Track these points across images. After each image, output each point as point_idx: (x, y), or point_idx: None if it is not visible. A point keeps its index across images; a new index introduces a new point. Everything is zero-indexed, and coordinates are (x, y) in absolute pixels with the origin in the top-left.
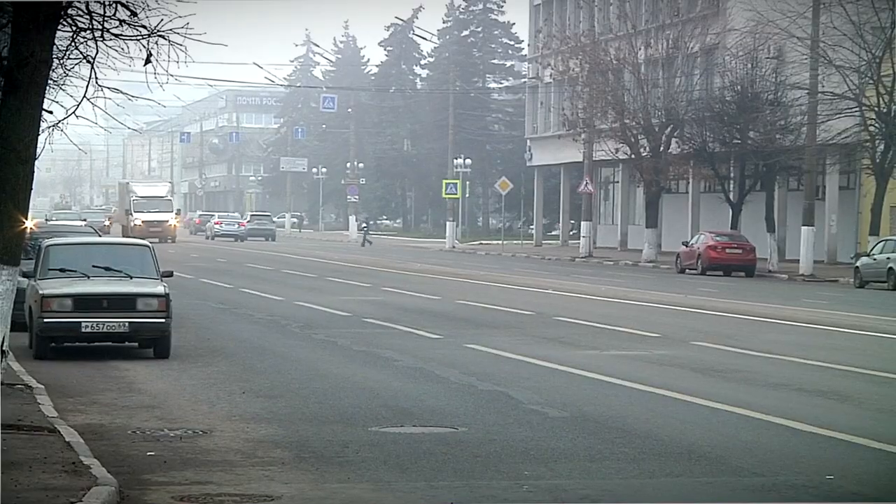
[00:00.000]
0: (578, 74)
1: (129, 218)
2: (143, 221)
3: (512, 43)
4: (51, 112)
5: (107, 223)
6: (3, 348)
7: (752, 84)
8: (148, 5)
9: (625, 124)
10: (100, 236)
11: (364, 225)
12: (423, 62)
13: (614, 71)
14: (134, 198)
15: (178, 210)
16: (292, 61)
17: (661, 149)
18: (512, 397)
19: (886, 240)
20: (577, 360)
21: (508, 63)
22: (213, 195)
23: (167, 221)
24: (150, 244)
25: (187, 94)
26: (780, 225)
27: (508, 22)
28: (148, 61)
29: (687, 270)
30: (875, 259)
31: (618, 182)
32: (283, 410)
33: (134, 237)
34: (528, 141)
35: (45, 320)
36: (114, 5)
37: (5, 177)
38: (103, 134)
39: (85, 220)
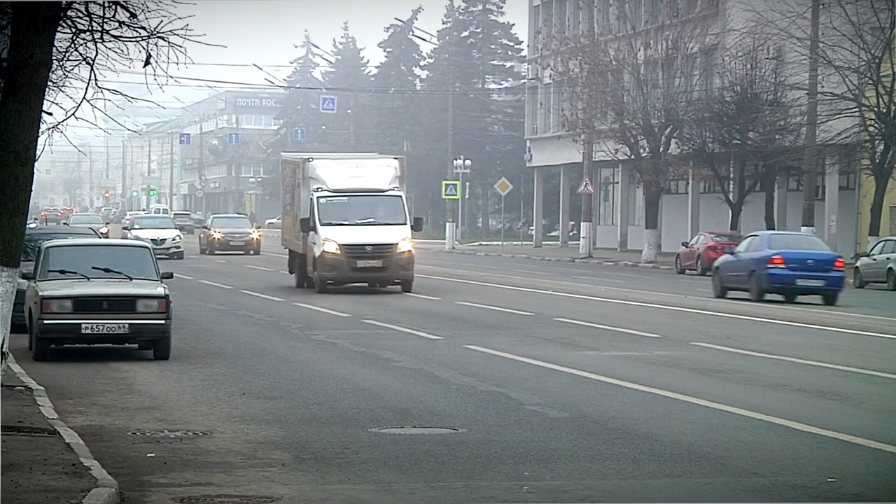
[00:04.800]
0: (578, 75)
1: (306, 239)
2: (340, 246)
3: (511, 44)
4: (50, 114)
5: (254, 235)
6: (3, 350)
7: (752, 84)
8: (147, 7)
9: (624, 125)
10: (99, 237)
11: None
12: (422, 63)
13: (614, 72)
14: (319, 194)
15: (419, 220)
16: (292, 62)
17: (661, 149)
18: (512, 398)
19: (886, 240)
20: (577, 361)
21: (508, 64)
22: (212, 196)
23: (395, 246)
24: (149, 245)
25: (187, 95)
26: (780, 225)
27: (508, 23)
28: (147, 63)
29: (687, 271)
30: (875, 259)
31: (617, 182)
32: (283, 412)
33: (324, 277)
34: (527, 142)
35: (45, 322)
36: (113, 7)
37: (5, 178)
38: (103, 135)
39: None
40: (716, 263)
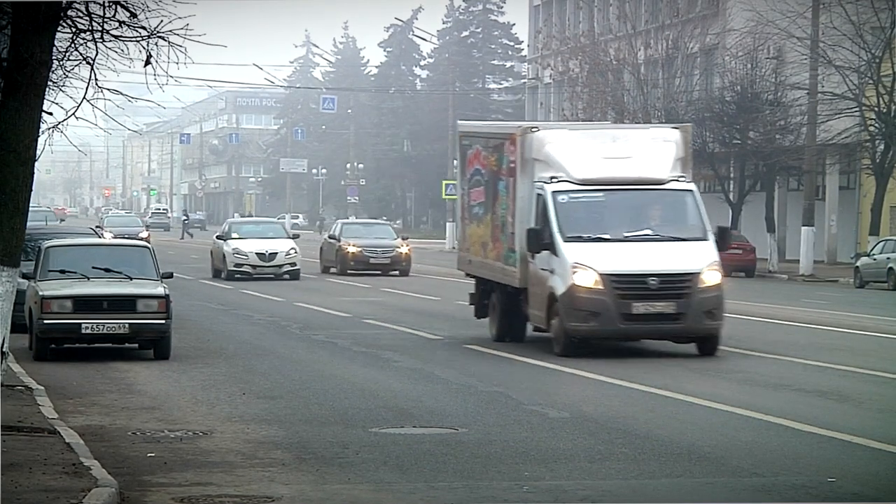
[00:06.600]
0: (578, 75)
1: (527, 263)
2: (603, 278)
3: (512, 44)
4: (50, 113)
5: (403, 249)
6: (4, 350)
7: (752, 84)
8: (148, 6)
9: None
10: (99, 237)
11: (185, 218)
12: (422, 63)
13: (614, 71)
14: (556, 188)
15: (724, 231)
16: (292, 62)
17: None
18: (512, 398)
19: (886, 240)
20: (577, 361)
21: (508, 64)
22: (212, 196)
23: (695, 277)
24: (150, 244)
25: (187, 95)
26: (780, 225)
27: (508, 23)
28: (148, 62)
29: None
30: (875, 259)
31: None
32: (284, 411)
33: (575, 329)
34: None
35: (45, 322)
36: (113, 6)
37: (5, 178)
38: (103, 135)
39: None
40: None
